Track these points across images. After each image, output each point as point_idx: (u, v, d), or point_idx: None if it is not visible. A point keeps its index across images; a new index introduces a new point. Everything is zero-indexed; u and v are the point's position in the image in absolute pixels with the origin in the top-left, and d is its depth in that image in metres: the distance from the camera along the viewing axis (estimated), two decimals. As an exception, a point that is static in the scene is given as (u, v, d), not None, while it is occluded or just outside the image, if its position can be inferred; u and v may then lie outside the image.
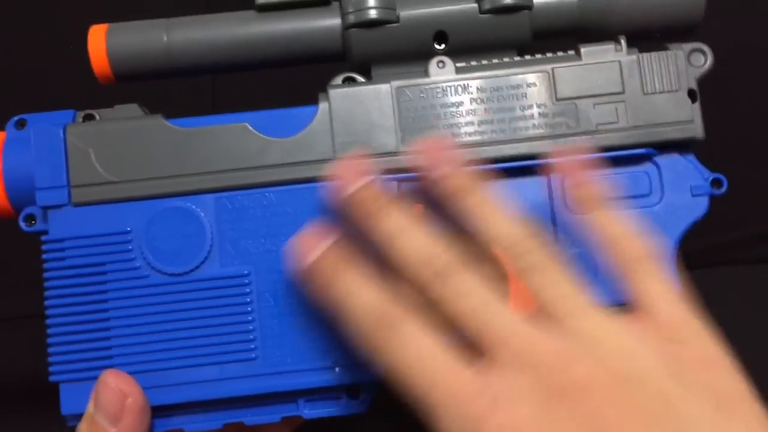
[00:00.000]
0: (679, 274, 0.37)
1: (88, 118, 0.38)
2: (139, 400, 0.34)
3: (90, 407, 0.35)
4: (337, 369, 0.36)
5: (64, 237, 0.36)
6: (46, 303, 0.36)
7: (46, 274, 0.36)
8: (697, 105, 0.37)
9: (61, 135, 0.36)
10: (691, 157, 0.38)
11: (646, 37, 0.38)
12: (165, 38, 0.38)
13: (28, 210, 0.36)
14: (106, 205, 0.36)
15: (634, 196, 0.37)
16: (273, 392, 0.36)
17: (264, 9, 0.38)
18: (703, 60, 0.38)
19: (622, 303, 0.35)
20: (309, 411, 0.36)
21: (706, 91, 0.67)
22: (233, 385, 0.36)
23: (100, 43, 0.38)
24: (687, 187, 0.37)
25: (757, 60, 0.66)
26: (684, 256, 0.71)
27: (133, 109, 0.38)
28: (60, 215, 0.36)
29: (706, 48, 0.38)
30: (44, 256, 0.36)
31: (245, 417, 0.36)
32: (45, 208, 0.36)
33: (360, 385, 0.36)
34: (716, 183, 0.37)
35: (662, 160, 0.37)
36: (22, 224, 0.36)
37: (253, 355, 0.36)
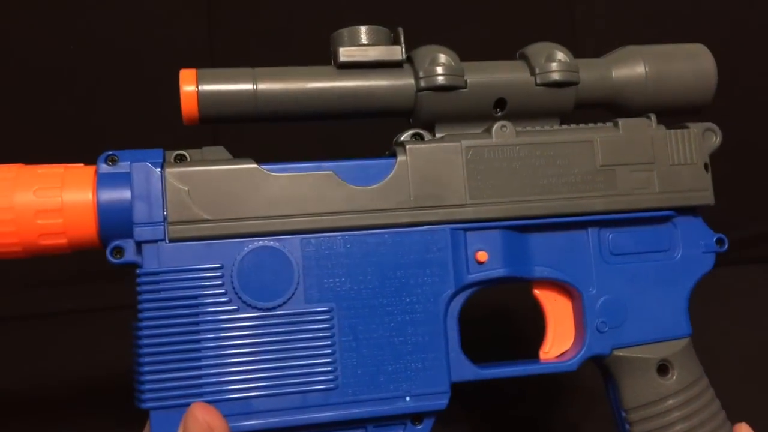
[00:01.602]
0: (689, 319, 0.43)
1: (180, 158, 0.40)
2: (223, 430, 0.36)
3: None
4: (408, 398, 0.39)
5: (159, 270, 0.38)
6: (140, 333, 0.37)
7: (140, 306, 0.37)
8: (709, 175, 0.44)
9: (160, 174, 0.38)
10: (699, 219, 0.44)
11: (661, 113, 0.44)
12: (252, 86, 0.40)
13: (116, 243, 0.38)
14: (199, 242, 0.38)
15: (660, 251, 0.43)
16: (350, 420, 0.38)
17: (343, 66, 0.41)
18: (714, 138, 0.44)
19: (636, 344, 0.42)
20: None
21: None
22: (314, 413, 0.38)
23: (191, 86, 0.39)
24: (699, 245, 0.44)
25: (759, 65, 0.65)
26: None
27: (221, 151, 0.40)
28: (155, 250, 0.38)
29: (716, 128, 0.44)
30: (139, 288, 0.38)
31: None
32: (140, 243, 0.38)
33: (424, 414, 0.39)
34: (720, 242, 0.44)
35: (679, 221, 0.44)
36: (110, 257, 0.38)
37: (333, 385, 0.38)
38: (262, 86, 0.40)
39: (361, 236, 0.40)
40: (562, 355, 0.42)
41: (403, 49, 0.41)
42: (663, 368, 0.42)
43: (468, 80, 0.41)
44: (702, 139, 0.44)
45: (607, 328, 0.42)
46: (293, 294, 0.38)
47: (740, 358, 0.60)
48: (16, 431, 0.59)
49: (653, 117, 0.43)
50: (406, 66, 0.42)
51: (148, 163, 0.38)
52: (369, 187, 0.40)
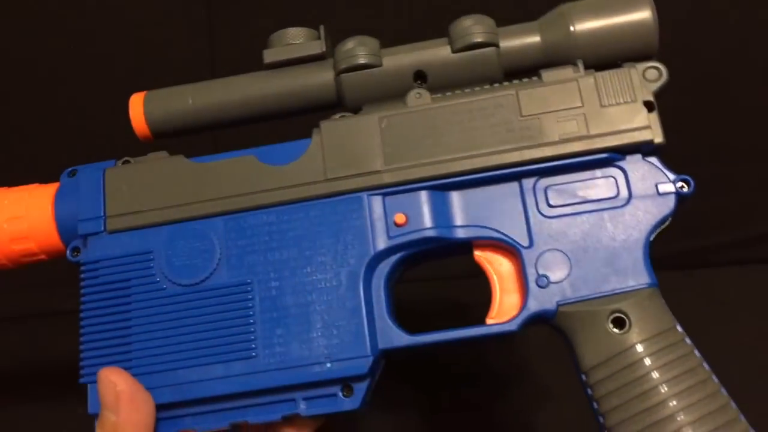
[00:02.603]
0: (654, 271, 0.39)
1: (125, 163, 0.44)
2: (128, 387, 0.38)
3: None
4: (328, 364, 0.39)
5: (98, 259, 0.42)
6: (81, 315, 0.41)
7: (82, 290, 0.42)
8: (654, 114, 0.40)
9: (101, 176, 0.43)
10: (655, 160, 0.41)
11: (612, 65, 0.41)
12: (190, 101, 0.44)
13: (74, 243, 0.43)
14: (134, 231, 0.42)
15: (604, 199, 0.40)
16: (272, 387, 0.39)
17: (270, 67, 0.44)
18: (658, 75, 0.41)
19: (585, 299, 0.38)
20: (306, 409, 0.39)
21: (707, 96, 0.67)
22: (236, 382, 0.39)
23: (139, 110, 0.44)
24: (653, 187, 0.40)
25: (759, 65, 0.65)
26: (684, 256, 0.72)
27: (162, 154, 0.44)
28: (97, 241, 0.42)
29: (660, 65, 0.41)
30: (82, 275, 0.42)
31: (248, 416, 0.40)
32: (85, 236, 0.43)
33: (352, 382, 0.39)
34: (684, 184, 0.40)
35: (628, 164, 0.40)
36: (69, 256, 0.43)
37: (254, 354, 0.40)
38: (197, 101, 0.44)
39: (278, 211, 0.41)
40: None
41: (324, 44, 0.43)
42: (618, 321, 0.38)
43: (383, 58, 0.42)
44: (641, 77, 0.40)
45: (548, 284, 0.39)
46: (215, 270, 0.41)
47: (740, 359, 0.60)
48: (16, 431, 0.60)
49: (580, 63, 0.41)
50: (329, 59, 0.44)
51: (92, 168, 0.44)
52: (286, 165, 0.42)
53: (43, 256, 0.45)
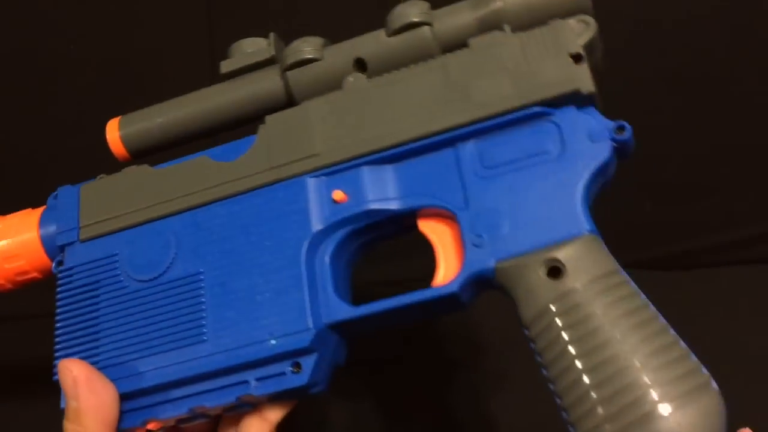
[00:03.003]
0: (592, 220, 0.38)
1: (100, 179, 0.48)
2: (83, 370, 0.40)
3: None
4: (273, 341, 0.40)
5: (73, 266, 0.45)
6: (56, 318, 0.44)
7: (58, 296, 0.45)
8: (583, 65, 0.40)
9: (77, 192, 0.47)
10: (590, 110, 0.40)
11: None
12: (159, 120, 0.47)
13: (58, 257, 0.46)
14: (102, 237, 0.45)
15: (538, 154, 0.40)
16: (222, 368, 0.40)
17: (227, 76, 0.46)
18: (585, 27, 0.41)
19: (521, 253, 0.38)
20: (258, 388, 0.40)
21: (709, 95, 0.67)
22: (187, 366, 0.41)
23: (114, 135, 0.48)
24: (586, 136, 0.39)
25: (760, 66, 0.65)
26: (684, 256, 0.72)
27: (134, 167, 0.47)
28: (72, 250, 0.46)
29: (587, 17, 0.41)
30: (58, 282, 0.45)
31: (206, 401, 0.41)
32: (62, 246, 0.46)
33: (299, 357, 0.40)
34: (619, 129, 0.39)
35: (560, 117, 0.40)
36: (54, 269, 0.46)
37: (205, 338, 0.41)
38: (165, 119, 0.47)
39: (227, 203, 0.44)
40: None
41: (272, 49, 0.45)
42: (553, 270, 0.37)
43: (326, 51, 0.44)
44: (568, 30, 0.40)
45: (484, 242, 0.38)
46: (170, 265, 0.43)
47: (741, 359, 0.60)
48: (16, 430, 0.60)
49: (507, 27, 0.42)
50: (278, 63, 0.46)
51: (70, 186, 0.47)
52: (235, 161, 0.44)
53: (36, 275, 0.48)
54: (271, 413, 0.41)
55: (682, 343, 0.35)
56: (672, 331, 0.35)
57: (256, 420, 0.41)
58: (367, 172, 0.42)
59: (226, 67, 0.46)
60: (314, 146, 0.43)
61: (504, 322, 0.43)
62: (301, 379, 0.39)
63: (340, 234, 0.42)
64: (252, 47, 0.46)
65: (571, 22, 0.41)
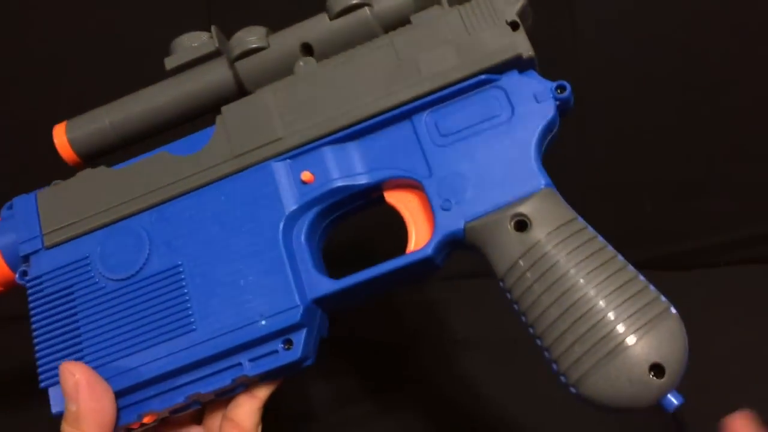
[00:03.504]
0: (544, 171, 0.41)
1: (55, 185, 0.47)
2: (85, 374, 0.40)
3: None
4: (263, 321, 0.41)
5: (41, 273, 0.45)
6: (32, 326, 0.44)
7: (30, 305, 0.44)
8: (520, 31, 0.42)
9: (34, 199, 0.47)
10: (531, 73, 0.43)
11: None
12: (107, 121, 0.47)
13: (21, 267, 0.46)
14: (70, 242, 0.45)
15: (489, 118, 0.42)
16: (215, 353, 0.41)
17: (173, 72, 0.47)
18: None
19: (488, 212, 0.40)
20: (252, 368, 0.41)
21: (708, 96, 0.67)
22: (180, 356, 0.42)
23: (62, 139, 0.47)
24: (531, 98, 0.42)
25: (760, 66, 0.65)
26: (684, 256, 0.71)
27: (89, 170, 0.47)
28: (37, 258, 0.45)
29: None
30: (28, 291, 0.45)
31: (201, 387, 0.42)
32: (26, 256, 0.45)
33: (290, 334, 0.41)
34: (560, 89, 0.42)
35: (506, 83, 0.42)
36: (18, 279, 0.45)
37: (194, 327, 0.42)
38: (113, 119, 0.47)
39: (195, 195, 0.44)
40: None
41: (216, 42, 0.46)
42: (520, 224, 0.40)
43: (271, 40, 0.45)
44: (503, 1, 0.43)
45: (451, 205, 0.41)
46: (147, 261, 0.44)
47: (741, 358, 0.60)
48: (17, 430, 0.60)
49: (444, 1, 0.44)
50: (224, 55, 0.46)
51: (25, 194, 0.47)
52: (196, 153, 0.45)
53: (0, 289, 0.47)
54: (259, 391, 0.43)
55: (641, 277, 0.39)
56: (631, 268, 0.39)
57: (245, 398, 0.42)
58: (330, 152, 0.43)
59: (170, 63, 0.46)
60: (275, 132, 0.44)
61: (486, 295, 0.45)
62: (293, 355, 0.41)
63: (312, 213, 0.43)
64: (194, 41, 0.46)
65: None
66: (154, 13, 0.68)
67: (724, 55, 0.64)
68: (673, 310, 0.38)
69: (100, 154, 0.48)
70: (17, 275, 0.45)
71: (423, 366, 0.62)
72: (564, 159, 0.55)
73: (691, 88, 0.65)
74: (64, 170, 0.48)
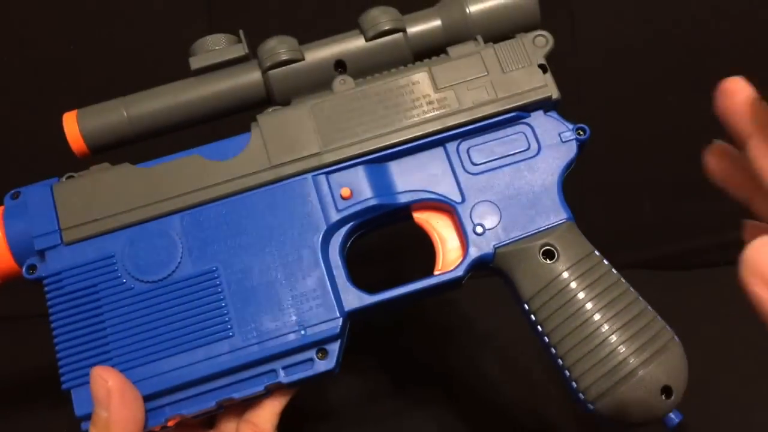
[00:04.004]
0: (566, 205, 0.45)
1: (69, 178, 0.46)
2: (118, 382, 0.40)
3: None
4: (303, 331, 0.42)
5: (61, 270, 0.44)
6: (52, 326, 0.43)
7: (49, 302, 0.43)
8: (548, 74, 0.46)
9: (50, 192, 0.45)
10: (554, 114, 0.47)
11: (504, 37, 0.47)
12: (125, 113, 0.46)
13: (30, 260, 0.44)
14: (92, 239, 0.44)
15: (518, 152, 0.46)
16: (254, 360, 0.42)
17: (198, 72, 0.47)
18: (545, 42, 0.47)
19: (517, 239, 0.44)
20: (286, 376, 0.42)
21: (708, 95, 0.67)
22: (218, 361, 0.42)
23: (73, 127, 0.46)
24: (557, 137, 0.46)
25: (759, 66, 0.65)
26: (684, 256, 0.71)
27: (106, 166, 0.46)
28: (55, 254, 0.44)
29: (546, 33, 0.47)
30: (46, 288, 0.43)
31: (234, 393, 0.42)
32: (42, 251, 0.44)
33: (325, 344, 0.42)
34: (581, 131, 0.46)
35: (533, 120, 0.46)
36: (26, 274, 0.44)
37: (231, 333, 0.42)
38: (131, 112, 0.46)
39: (230, 202, 0.44)
40: None
41: (245, 47, 0.46)
42: (548, 253, 0.43)
43: (305, 52, 0.46)
44: (533, 44, 0.47)
45: (484, 231, 0.44)
46: (179, 264, 0.43)
47: (741, 358, 0.60)
48: (17, 429, 0.59)
49: (479, 37, 0.47)
50: (253, 60, 0.47)
51: (39, 186, 0.45)
52: (231, 159, 0.45)
53: None
54: (282, 394, 0.43)
55: (649, 308, 0.43)
56: (641, 299, 0.43)
57: (268, 401, 0.43)
58: (366, 170, 0.45)
59: (196, 63, 0.46)
60: (313, 146, 0.44)
61: (494, 291, 0.47)
62: (328, 364, 0.42)
63: (346, 228, 0.45)
64: (217, 44, 0.46)
65: (534, 36, 0.47)
66: (154, 12, 0.68)
67: (724, 55, 0.64)
68: (677, 338, 0.42)
69: (112, 147, 0.47)
70: (24, 269, 0.44)
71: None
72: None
73: (690, 87, 0.65)
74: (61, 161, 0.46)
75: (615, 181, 0.67)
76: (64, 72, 0.68)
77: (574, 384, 0.42)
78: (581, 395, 0.42)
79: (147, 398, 0.41)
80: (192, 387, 0.42)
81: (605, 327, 0.42)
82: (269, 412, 0.43)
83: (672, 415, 0.42)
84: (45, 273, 0.43)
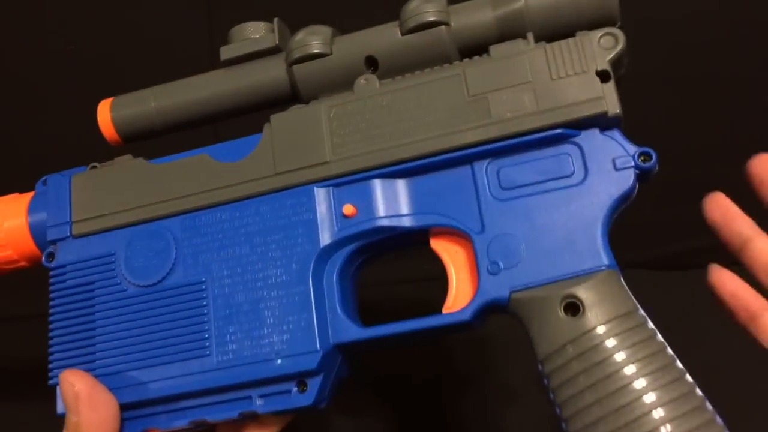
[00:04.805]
0: (608, 249, 0.36)
1: (92, 168, 0.45)
2: (86, 386, 0.39)
3: None
4: (279, 360, 0.38)
5: (65, 263, 0.43)
6: (50, 318, 0.42)
7: (51, 294, 0.42)
8: (609, 84, 0.37)
9: (68, 182, 0.44)
10: (614, 133, 0.38)
11: (569, 35, 0.39)
12: (153, 104, 0.44)
13: (49, 249, 0.44)
14: (98, 234, 0.43)
15: (559, 178, 0.37)
16: (225, 385, 0.39)
17: (227, 64, 0.44)
18: (614, 42, 0.38)
19: (538, 285, 0.36)
20: (262, 406, 0.39)
21: (707, 95, 0.67)
22: (190, 381, 0.39)
23: (106, 116, 0.45)
24: (610, 162, 0.37)
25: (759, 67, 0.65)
26: (684, 256, 0.71)
27: (128, 158, 0.44)
28: (64, 246, 0.43)
29: (617, 31, 0.38)
30: (51, 280, 0.43)
31: (207, 415, 0.40)
32: (54, 242, 0.43)
33: (306, 378, 0.38)
34: (645, 157, 0.37)
35: (584, 140, 0.38)
36: (45, 262, 0.43)
37: (208, 352, 0.39)
38: (159, 103, 0.44)
39: (230, 208, 0.41)
40: None
41: (276, 37, 0.42)
42: (571, 306, 0.35)
43: (334, 46, 0.41)
44: (596, 45, 0.38)
45: (500, 270, 0.37)
46: (171, 270, 0.41)
47: (740, 358, 0.60)
48: (18, 429, 0.60)
49: (530, 35, 0.39)
50: (283, 52, 0.43)
51: (60, 175, 0.44)
52: (238, 162, 0.41)
53: (24, 263, 0.46)
54: (272, 422, 0.41)
55: (698, 390, 0.34)
56: (688, 377, 0.34)
57: (257, 429, 0.41)
58: (378, 186, 0.40)
59: (226, 53, 0.43)
60: (323, 154, 0.40)
61: (511, 335, 0.42)
62: (306, 399, 0.38)
63: (348, 249, 0.40)
64: (254, 32, 0.43)
65: (599, 35, 0.38)
66: (153, 12, 0.68)
67: (725, 55, 0.64)
68: (719, 420, 0.34)
69: (139, 137, 0.46)
70: (44, 257, 0.44)
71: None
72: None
73: (690, 87, 0.65)
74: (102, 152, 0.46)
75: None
76: (60, 70, 0.68)
77: None
78: None
79: (125, 407, 0.40)
80: (168, 402, 0.40)
81: (638, 405, 0.33)
82: None
83: None
84: (54, 264, 0.43)
